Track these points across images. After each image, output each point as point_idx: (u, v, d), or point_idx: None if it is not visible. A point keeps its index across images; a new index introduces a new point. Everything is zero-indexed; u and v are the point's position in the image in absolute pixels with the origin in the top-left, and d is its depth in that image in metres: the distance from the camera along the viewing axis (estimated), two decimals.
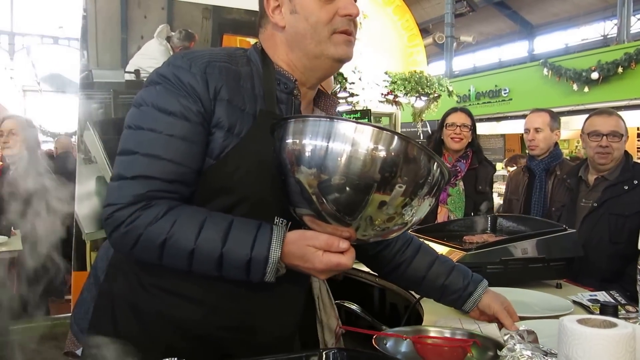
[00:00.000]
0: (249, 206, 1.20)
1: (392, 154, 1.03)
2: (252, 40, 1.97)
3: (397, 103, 8.38)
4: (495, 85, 15.16)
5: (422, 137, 9.41)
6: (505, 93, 14.86)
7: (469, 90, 15.75)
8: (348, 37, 1.26)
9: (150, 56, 2.16)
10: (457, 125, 3.42)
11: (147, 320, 1.25)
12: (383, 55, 8.84)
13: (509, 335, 1.24)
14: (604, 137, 2.85)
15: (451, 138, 3.44)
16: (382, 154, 1.02)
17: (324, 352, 1.10)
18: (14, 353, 3.39)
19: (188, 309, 1.24)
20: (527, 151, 3.95)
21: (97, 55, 1.80)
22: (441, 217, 3.41)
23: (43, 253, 3.83)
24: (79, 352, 1.39)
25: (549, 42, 22.90)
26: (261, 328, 1.28)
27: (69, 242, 4.44)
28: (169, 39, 2.05)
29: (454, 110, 3.55)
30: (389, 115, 9.26)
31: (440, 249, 2.47)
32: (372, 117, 7.53)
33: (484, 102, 15.37)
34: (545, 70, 13.43)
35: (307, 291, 1.62)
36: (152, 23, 1.95)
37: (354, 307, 2.02)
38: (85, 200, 2.34)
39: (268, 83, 1.26)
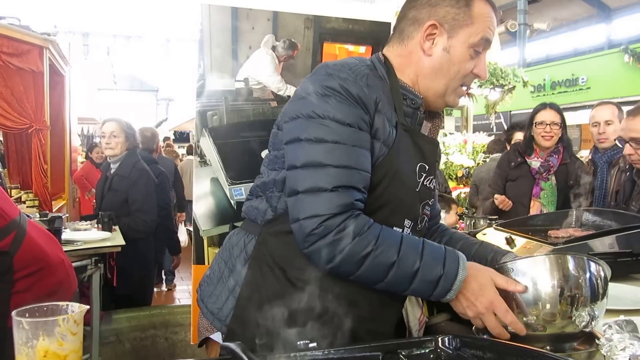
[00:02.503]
0: (389, 210, 1.33)
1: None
2: (350, 47, 2.08)
3: (470, 95, 8.27)
4: (572, 74, 14.65)
5: (495, 130, 9.28)
6: (582, 82, 14.33)
7: (544, 80, 15.30)
8: (465, 92, 1.42)
9: (258, 65, 2.30)
10: (547, 124, 3.43)
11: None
12: None
13: (607, 325, 1.30)
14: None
15: (542, 136, 3.45)
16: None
17: (439, 338, 1.15)
18: (118, 340, 3.66)
19: (329, 302, 1.32)
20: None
21: (211, 65, 1.95)
22: (534, 211, 3.45)
23: (141, 248, 4.10)
24: (214, 336, 1.52)
25: (628, 26, 21.78)
26: (385, 317, 1.41)
27: (168, 236, 4.70)
28: (274, 48, 2.18)
29: (543, 107, 3.53)
30: (461, 108, 9.15)
31: (525, 243, 2.51)
32: (443, 110, 7.50)
33: (560, 92, 14.89)
34: (626, 57, 12.86)
35: None
36: (259, 33, 2.08)
37: None
38: (202, 200, 2.51)
39: (397, 96, 1.35)
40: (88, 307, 1.12)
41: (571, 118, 15.24)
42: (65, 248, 3.26)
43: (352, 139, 1.24)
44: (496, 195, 3.54)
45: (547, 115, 3.46)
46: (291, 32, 2.15)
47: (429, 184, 1.41)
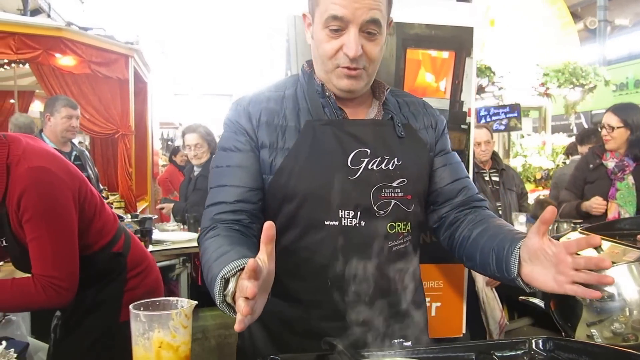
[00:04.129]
0: (311, 206, 1.33)
1: None
2: (433, 53, 2.09)
3: (548, 95, 8.05)
4: None
5: (575, 131, 8.98)
6: None
7: (627, 78, 14.62)
8: (349, 72, 1.33)
9: None
10: (603, 127, 3.43)
11: (267, 322, 1.42)
12: (536, 46, 8.54)
13: None
14: None
15: (604, 139, 3.47)
16: None
17: (532, 340, 1.16)
18: (204, 337, 3.79)
19: (289, 307, 1.39)
20: None
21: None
22: (611, 213, 3.37)
23: None
24: None
25: None
26: (354, 315, 1.35)
27: None
28: None
29: (609, 109, 3.51)
30: (538, 108, 8.91)
31: (612, 247, 2.45)
32: (520, 111, 7.35)
33: None
34: None
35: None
36: None
37: (536, 301, 2.04)
38: None
39: (312, 95, 1.40)
40: (196, 302, 1.20)
41: None
42: (155, 248, 3.45)
43: (228, 161, 1.39)
44: (598, 198, 3.48)
45: (605, 118, 3.47)
46: None
47: (381, 166, 1.35)
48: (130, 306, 1.12)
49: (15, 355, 1.42)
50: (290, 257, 1.36)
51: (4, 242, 1.81)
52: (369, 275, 1.35)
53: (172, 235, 3.84)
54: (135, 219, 3.60)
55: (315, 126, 1.36)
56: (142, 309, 1.12)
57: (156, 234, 3.77)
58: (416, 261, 1.50)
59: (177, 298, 1.20)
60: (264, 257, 1.02)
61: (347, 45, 1.29)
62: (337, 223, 1.33)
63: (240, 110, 1.41)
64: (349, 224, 1.33)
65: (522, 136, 7.69)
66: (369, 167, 1.34)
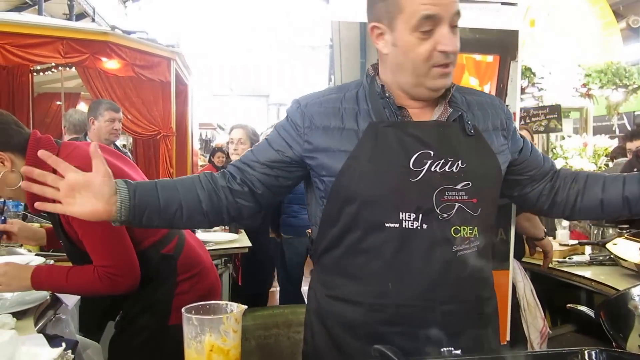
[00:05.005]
0: (372, 208, 1.33)
1: None
2: (477, 57, 2.07)
3: (590, 96, 7.87)
4: None
5: (617, 132, 8.77)
6: None
7: None
8: (444, 70, 1.33)
9: None
10: None
11: (330, 327, 1.43)
12: (577, 46, 8.36)
13: None
14: None
15: None
16: None
17: (585, 351, 1.13)
18: (244, 337, 3.82)
19: (351, 310, 1.39)
20: None
21: (341, 78, 2.02)
22: None
23: (264, 250, 4.25)
24: None
25: None
26: (417, 320, 1.34)
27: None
28: None
29: None
30: (579, 109, 8.71)
31: None
32: (561, 112, 7.21)
33: None
34: None
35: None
36: None
37: (584, 309, 1.98)
38: None
39: (373, 97, 1.40)
40: (246, 306, 1.22)
41: None
42: None
43: (271, 138, 1.49)
44: None
45: None
46: None
47: (444, 168, 1.34)
48: (183, 309, 1.14)
49: (72, 356, 1.46)
50: (352, 259, 1.38)
51: (61, 242, 1.90)
52: (432, 280, 1.34)
53: (215, 236, 3.87)
54: None
55: (378, 128, 1.36)
56: (193, 312, 1.14)
57: (199, 235, 3.80)
58: (487, 269, 1.46)
59: (226, 302, 1.22)
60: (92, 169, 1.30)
61: (443, 42, 1.29)
62: (397, 225, 1.32)
63: (295, 107, 1.48)
64: (410, 227, 1.32)
65: (563, 137, 7.53)
66: (432, 169, 1.33)
